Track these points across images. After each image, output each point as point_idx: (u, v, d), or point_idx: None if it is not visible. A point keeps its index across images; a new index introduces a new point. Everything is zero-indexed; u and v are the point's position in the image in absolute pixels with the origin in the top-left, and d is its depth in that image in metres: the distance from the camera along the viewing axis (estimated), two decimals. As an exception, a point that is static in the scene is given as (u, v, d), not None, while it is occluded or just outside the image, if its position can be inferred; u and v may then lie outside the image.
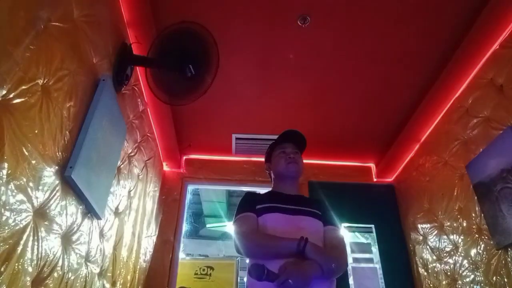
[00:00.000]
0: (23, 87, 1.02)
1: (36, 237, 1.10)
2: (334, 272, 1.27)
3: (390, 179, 3.27)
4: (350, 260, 2.86)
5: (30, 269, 1.08)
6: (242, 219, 1.41)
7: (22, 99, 1.02)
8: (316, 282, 1.21)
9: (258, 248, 1.31)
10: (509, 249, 1.78)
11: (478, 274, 2.00)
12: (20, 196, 1.03)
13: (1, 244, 0.94)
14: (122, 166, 1.98)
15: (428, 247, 2.57)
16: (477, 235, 2.04)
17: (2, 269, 0.95)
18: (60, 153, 1.25)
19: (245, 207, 1.46)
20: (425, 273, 2.60)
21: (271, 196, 1.54)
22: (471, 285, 2.05)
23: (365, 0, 1.92)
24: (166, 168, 3.22)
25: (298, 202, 1.50)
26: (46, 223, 1.17)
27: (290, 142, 1.63)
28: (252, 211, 1.43)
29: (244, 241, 1.35)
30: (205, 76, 1.70)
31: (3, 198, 0.95)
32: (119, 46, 1.78)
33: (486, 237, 1.96)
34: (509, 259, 1.78)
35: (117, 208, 1.93)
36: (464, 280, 2.12)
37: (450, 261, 2.28)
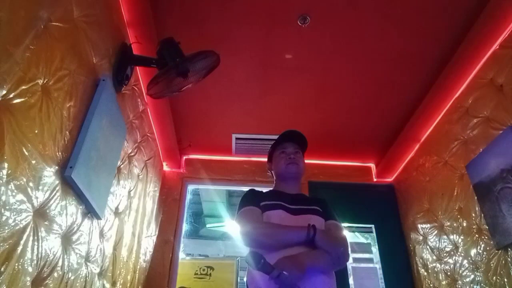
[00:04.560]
0: (23, 87, 1.02)
1: (36, 237, 1.10)
2: (344, 256, 1.27)
3: (390, 179, 3.27)
4: (350, 260, 2.86)
5: (30, 269, 1.08)
6: (247, 212, 1.41)
7: (22, 99, 1.02)
8: (317, 274, 1.22)
9: (267, 238, 1.30)
10: (509, 249, 1.78)
11: (478, 274, 2.00)
12: (20, 196, 1.02)
13: (1, 244, 0.94)
14: (122, 166, 1.98)
15: (428, 247, 2.57)
16: (477, 235, 2.03)
17: (2, 269, 0.94)
18: (60, 153, 1.25)
19: (249, 201, 1.46)
20: (425, 273, 2.60)
21: (273, 194, 1.54)
22: (471, 285, 2.05)
23: (365, 0, 1.92)
24: (166, 168, 3.22)
25: (300, 201, 1.50)
26: (46, 223, 1.17)
27: (291, 142, 1.63)
28: (256, 206, 1.43)
29: (251, 232, 1.34)
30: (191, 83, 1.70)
31: (3, 198, 0.95)
32: (119, 46, 1.78)
33: (486, 237, 1.95)
34: (509, 259, 1.78)
35: (117, 208, 1.93)
36: (464, 280, 2.12)
37: (450, 261, 2.28)
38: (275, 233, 1.30)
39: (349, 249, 1.39)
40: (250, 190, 1.57)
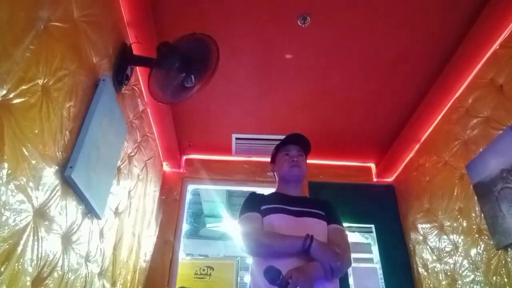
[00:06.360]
0: (23, 87, 1.02)
1: (36, 237, 1.10)
2: (339, 270, 1.27)
3: (390, 179, 3.27)
4: (350, 260, 2.86)
5: (30, 269, 1.08)
6: (247, 219, 1.42)
7: (22, 99, 1.02)
8: (320, 282, 1.21)
9: (264, 247, 1.31)
10: (509, 249, 1.78)
11: (478, 274, 2.00)
12: (20, 196, 1.03)
13: (1, 244, 0.94)
14: (122, 166, 1.98)
15: (428, 247, 2.57)
16: (477, 235, 2.03)
17: (2, 269, 0.95)
18: (60, 153, 1.25)
19: (250, 207, 1.46)
20: (425, 273, 2.60)
21: (275, 197, 1.54)
22: (471, 285, 2.05)
23: (365, 0, 1.92)
24: (166, 168, 3.22)
25: (302, 203, 1.50)
26: (46, 223, 1.17)
27: (295, 145, 1.64)
28: (257, 211, 1.43)
29: (249, 240, 1.35)
30: (199, 83, 1.69)
31: (3, 198, 0.95)
32: (119, 46, 1.78)
33: (486, 237, 1.95)
34: (509, 259, 1.78)
35: (117, 208, 1.93)
36: (464, 280, 2.12)
37: (450, 261, 2.28)
38: (271, 242, 1.31)
39: (350, 253, 1.38)
40: (251, 194, 1.57)
